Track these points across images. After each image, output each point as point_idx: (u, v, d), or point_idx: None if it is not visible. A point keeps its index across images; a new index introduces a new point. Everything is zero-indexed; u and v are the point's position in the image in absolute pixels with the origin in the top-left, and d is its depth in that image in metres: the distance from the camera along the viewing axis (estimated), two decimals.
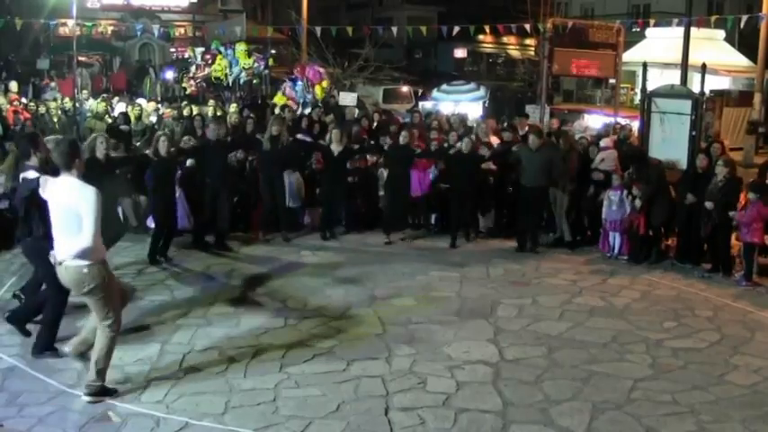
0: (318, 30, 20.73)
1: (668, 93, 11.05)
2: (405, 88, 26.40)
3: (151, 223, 10.03)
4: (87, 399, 5.49)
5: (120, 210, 9.81)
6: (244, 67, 19.49)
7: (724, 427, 5.38)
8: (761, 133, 21.10)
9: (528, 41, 35.96)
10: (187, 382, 5.89)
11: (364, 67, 25.76)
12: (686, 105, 10.43)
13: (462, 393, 5.80)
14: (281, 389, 5.80)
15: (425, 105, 21.64)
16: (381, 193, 11.19)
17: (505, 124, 12.99)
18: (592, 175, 10.44)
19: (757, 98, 21.60)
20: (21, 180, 6.50)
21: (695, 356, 6.65)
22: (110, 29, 29.36)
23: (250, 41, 21.22)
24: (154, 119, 15.14)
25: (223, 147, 10.13)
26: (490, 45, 42.50)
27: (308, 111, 15.00)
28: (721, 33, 26.18)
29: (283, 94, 16.81)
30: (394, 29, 24.44)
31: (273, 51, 24.14)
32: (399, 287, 8.48)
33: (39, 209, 6.02)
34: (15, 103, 15.84)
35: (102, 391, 5.53)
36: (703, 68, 11.03)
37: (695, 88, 11.51)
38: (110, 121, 14.46)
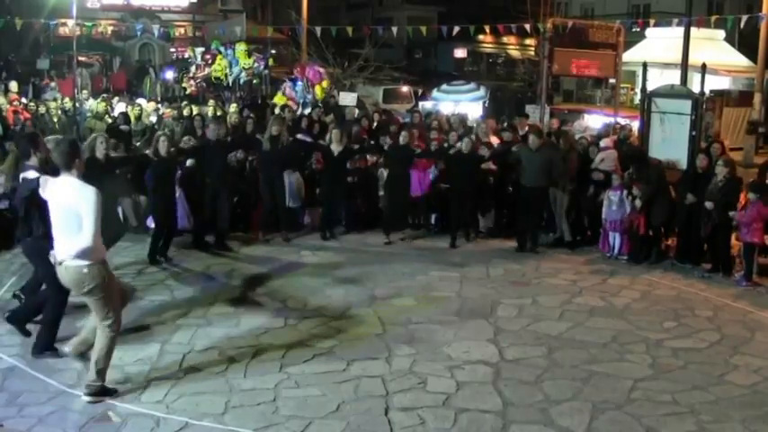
0: (318, 30, 20.72)
1: (668, 93, 11.05)
2: (405, 88, 26.37)
3: (151, 223, 10.02)
4: (87, 399, 5.49)
5: (120, 210, 9.81)
6: (244, 67, 19.49)
7: (724, 427, 5.38)
8: (761, 133, 21.09)
9: (528, 41, 35.96)
10: (187, 382, 5.88)
11: (364, 67, 25.75)
12: (686, 105, 10.43)
13: (462, 393, 5.80)
14: (281, 389, 5.80)
15: (425, 105, 21.65)
16: (381, 193, 11.19)
17: (505, 124, 12.99)
18: (592, 175, 10.44)
19: (757, 98, 21.60)
20: (21, 180, 6.50)
21: (695, 356, 6.65)
22: (110, 29, 29.36)
23: (250, 41, 21.22)
24: (154, 119, 15.15)
25: (223, 147, 10.12)
26: (490, 45, 42.50)
27: (308, 111, 15.00)
28: (721, 33, 26.18)
29: (283, 94, 16.81)
30: (394, 29, 24.42)
31: (273, 51, 24.14)
32: (399, 287, 8.48)
33: (39, 209, 6.03)
34: (15, 103, 15.85)
35: (102, 391, 5.53)
36: (703, 68, 11.03)
37: (695, 88, 11.50)
38: (110, 121, 14.47)
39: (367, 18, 40.54)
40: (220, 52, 19.95)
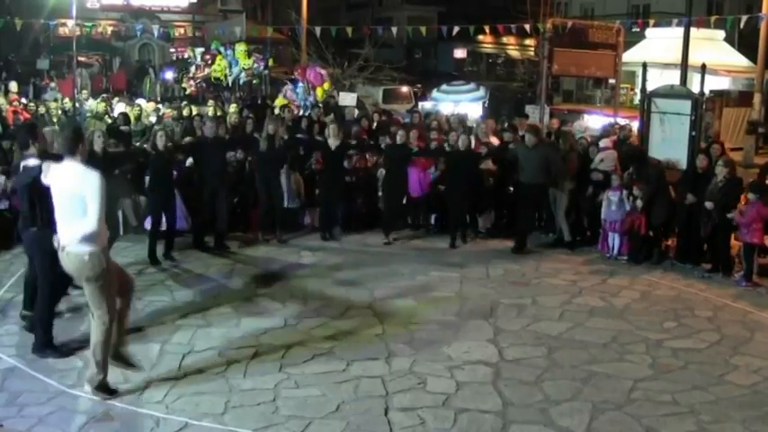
0: (318, 30, 20.73)
1: (668, 93, 11.05)
2: (404, 88, 26.37)
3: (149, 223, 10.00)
4: (89, 389, 5.50)
5: (120, 212, 9.80)
6: (243, 68, 19.51)
7: (724, 427, 5.38)
8: (761, 133, 21.11)
9: (528, 42, 35.94)
10: (187, 383, 5.88)
11: (364, 67, 25.76)
12: (686, 105, 10.43)
13: (462, 393, 5.80)
14: (280, 389, 5.80)
15: (425, 105, 21.65)
16: (381, 193, 11.18)
17: (506, 125, 12.99)
18: (591, 175, 10.44)
19: (757, 98, 21.62)
20: (21, 169, 6.49)
21: (695, 357, 6.65)
22: (109, 29, 29.40)
23: (250, 42, 21.23)
24: (153, 119, 15.14)
25: (221, 144, 10.09)
26: (490, 45, 42.50)
27: (308, 113, 14.99)
28: (721, 33, 26.18)
29: (284, 96, 16.80)
30: (394, 29, 24.45)
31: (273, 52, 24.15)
32: (399, 287, 8.48)
33: (40, 196, 6.00)
34: (15, 103, 15.86)
35: (104, 385, 5.53)
36: (703, 69, 11.03)
37: (695, 88, 11.50)
38: (109, 121, 14.46)
39: (367, 18, 40.56)
40: (220, 52, 19.96)
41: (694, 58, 14.43)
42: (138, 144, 12.93)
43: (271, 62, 20.70)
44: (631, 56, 22.88)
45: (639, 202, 9.61)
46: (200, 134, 11.08)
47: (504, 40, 41.00)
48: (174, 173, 9.92)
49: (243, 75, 19.62)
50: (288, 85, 17.39)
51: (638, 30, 24.48)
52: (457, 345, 6.76)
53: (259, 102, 18.05)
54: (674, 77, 15.84)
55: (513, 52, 39.57)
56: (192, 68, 22.02)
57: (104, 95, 18.05)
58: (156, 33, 29.62)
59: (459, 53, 40.51)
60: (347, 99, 16.06)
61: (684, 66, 13.96)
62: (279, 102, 16.47)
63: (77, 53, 18.22)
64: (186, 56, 25.53)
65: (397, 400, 5.65)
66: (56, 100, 17.37)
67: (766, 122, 22.04)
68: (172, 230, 9.51)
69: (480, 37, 39.67)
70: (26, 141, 6.54)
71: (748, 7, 26.69)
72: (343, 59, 24.93)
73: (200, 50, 22.36)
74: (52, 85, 21.67)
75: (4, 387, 5.73)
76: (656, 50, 24.20)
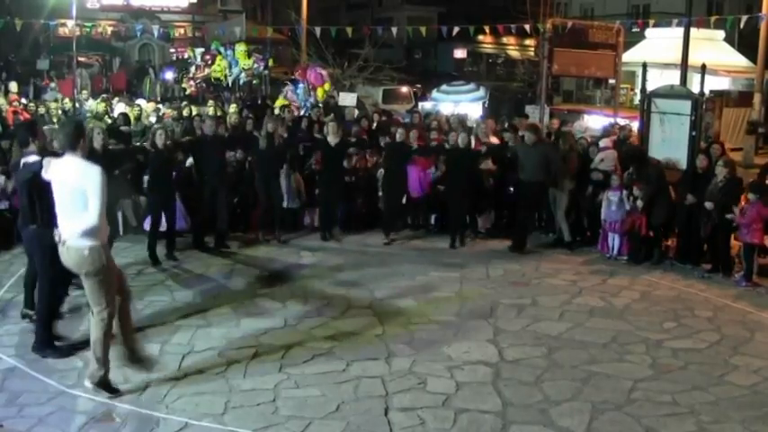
0: (318, 30, 20.72)
1: (668, 93, 11.05)
2: (404, 89, 26.37)
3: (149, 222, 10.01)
4: (89, 385, 5.50)
5: (120, 213, 9.79)
6: (243, 68, 19.51)
7: (724, 427, 5.38)
8: (761, 133, 21.11)
9: (528, 42, 35.96)
10: (187, 383, 5.88)
11: (364, 67, 25.75)
12: (686, 106, 10.43)
13: (462, 394, 5.80)
14: (280, 389, 5.80)
15: (425, 106, 21.64)
16: (381, 193, 11.18)
17: (506, 125, 12.99)
18: (591, 175, 10.44)
19: (757, 98, 21.61)
20: (21, 165, 6.49)
21: (695, 357, 6.65)
22: (109, 29, 29.42)
23: (250, 42, 21.24)
24: (153, 119, 15.14)
25: (221, 143, 10.10)
26: (490, 45, 42.48)
27: (308, 113, 14.99)
28: (721, 33, 26.17)
29: (285, 97, 16.80)
30: (394, 29, 24.43)
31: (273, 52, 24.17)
32: (399, 287, 8.48)
33: (41, 192, 6.00)
34: (15, 103, 15.86)
35: (104, 381, 5.53)
36: (703, 69, 11.03)
37: (695, 89, 11.51)
38: (109, 121, 14.46)
39: (367, 18, 40.57)
40: (220, 53, 19.97)
41: (694, 59, 14.43)
42: (138, 144, 12.97)
43: (271, 62, 20.72)
44: (631, 56, 22.88)
45: (639, 203, 9.61)
46: (199, 133, 11.08)
47: (504, 40, 40.99)
48: (174, 173, 9.91)
49: (243, 75, 19.63)
50: (289, 86, 17.40)
51: (638, 30, 24.48)
52: (457, 345, 6.76)
53: (259, 102, 18.05)
54: (673, 78, 15.84)
55: (513, 52, 39.57)
56: (192, 69, 22.03)
57: (104, 96, 18.07)
58: (156, 33, 29.65)
59: (459, 53, 40.48)
60: (347, 99, 16.05)
61: (684, 66, 13.96)
62: (279, 102, 16.48)
63: (77, 53, 18.24)
64: (186, 56, 25.54)
65: (397, 401, 5.65)
66: (56, 100, 17.38)
67: (766, 122, 22.04)
68: (172, 230, 9.51)
69: (480, 37, 39.67)
70: (26, 139, 6.56)
71: (748, 7, 26.68)
72: (343, 60, 24.92)
73: (200, 51, 22.37)
74: (52, 85, 21.67)
75: (4, 387, 5.73)
76: (656, 50, 24.17)
